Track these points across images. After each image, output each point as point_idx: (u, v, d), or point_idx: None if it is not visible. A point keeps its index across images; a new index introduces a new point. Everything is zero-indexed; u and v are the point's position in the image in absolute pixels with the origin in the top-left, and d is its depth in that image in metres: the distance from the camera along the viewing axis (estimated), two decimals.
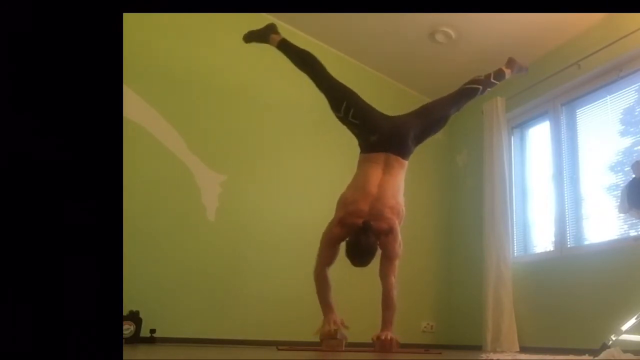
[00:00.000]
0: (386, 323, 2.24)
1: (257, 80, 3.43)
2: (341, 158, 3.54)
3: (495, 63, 3.87)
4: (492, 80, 2.72)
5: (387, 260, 2.31)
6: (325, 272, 2.31)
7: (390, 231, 2.28)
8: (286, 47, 2.69)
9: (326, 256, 2.32)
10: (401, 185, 2.40)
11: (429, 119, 2.52)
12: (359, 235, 2.22)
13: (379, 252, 2.32)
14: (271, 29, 2.77)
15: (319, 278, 2.31)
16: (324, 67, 2.57)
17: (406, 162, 2.44)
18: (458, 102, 2.62)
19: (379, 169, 2.35)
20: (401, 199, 2.38)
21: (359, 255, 2.27)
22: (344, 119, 2.50)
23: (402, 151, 2.41)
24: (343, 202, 2.35)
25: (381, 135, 2.39)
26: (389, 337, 2.15)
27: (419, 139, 2.50)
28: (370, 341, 2.23)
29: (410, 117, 2.51)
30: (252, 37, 2.83)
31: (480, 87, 2.65)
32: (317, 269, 2.32)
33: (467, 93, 2.64)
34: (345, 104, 2.46)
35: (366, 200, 2.29)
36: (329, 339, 2.14)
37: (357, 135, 2.51)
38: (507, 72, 2.83)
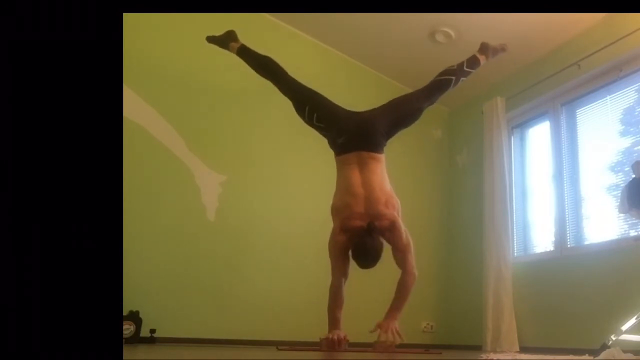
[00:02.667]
0: (392, 310, 2.23)
1: (258, 80, 3.42)
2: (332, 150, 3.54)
3: (495, 63, 3.88)
4: (466, 69, 2.61)
5: (399, 252, 2.29)
6: (341, 286, 2.27)
7: (392, 226, 2.27)
8: (245, 54, 2.69)
9: (339, 268, 2.28)
10: (385, 177, 2.36)
11: (400, 113, 2.47)
12: (364, 237, 2.20)
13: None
14: (230, 36, 2.77)
15: (334, 292, 2.26)
16: (285, 72, 2.56)
17: (382, 155, 2.38)
18: (431, 96, 2.56)
19: (355, 169, 2.31)
20: (390, 189, 2.34)
21: (366, 257, 2.24)
22: (309, 123, 2.49)
23: (372, 147, 2.35)
24: (336, 210, 2.33)
25: (348, 136, 2.35)
26: (392, 328, 2.14)
27: (390, 133, 2.44)
28: (370, 341, 2.23)
29: (379, 112, 2.46)
30: (213, 41, 2.84)
31: (453, 77, 2.57)
32: (333, 282, 2.28)
33: (439, 85, 2.58)
34: (307, 109, 2.45)
35: (358, 202, 2.26)
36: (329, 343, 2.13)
37: (326, 137, 2.48)
38: (482, 58, 2.71)
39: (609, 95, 3.34)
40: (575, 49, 3.45)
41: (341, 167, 2.38)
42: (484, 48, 2.76)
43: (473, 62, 2.67)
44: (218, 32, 3.29)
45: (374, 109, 2.48)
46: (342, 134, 2.37)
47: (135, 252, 2.63)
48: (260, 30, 3.48)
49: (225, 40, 2.77)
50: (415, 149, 4.25)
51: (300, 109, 2.50)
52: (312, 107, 2.45)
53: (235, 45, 2.73)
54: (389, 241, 2.29)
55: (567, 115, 3.66)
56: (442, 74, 2.60)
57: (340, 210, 2.31)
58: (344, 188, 2.34)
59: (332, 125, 2.42)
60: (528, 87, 3.76)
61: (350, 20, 3.56)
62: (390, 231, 2.27)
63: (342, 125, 2.39)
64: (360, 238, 2.21)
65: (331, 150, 2.45)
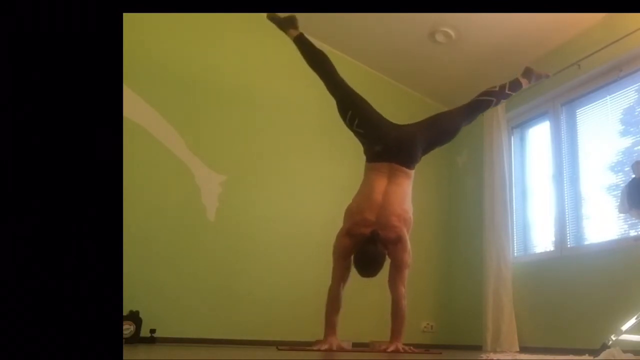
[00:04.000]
0: (395, 333, 2.21)
1: (258, 80, 3.43)
2: (341, 159, 3.54)
3: (495, 63, 3.89)
4: (507, 91, 2.65)
5: (396, 269, 2.28)
6: (339, 290, 2.27)
7: (398, 240, 2.26)
8: (301, 44, 2.66)
9: (340, 270, 2.28)
10: (408, 194, 2.37)
11: (438, 131, 2.50)
12: (366, 244, 2.20)
13: (387, 261, 2.30)
14: (291, 22, 2.72)
15: (332, 296, 2.26)
16: (334, 71, 2.55)
17: (412, 172, 2.40)
18: (470, 115, 2.58)
19: (383, 178, 2.33)
20: (408, 206, 2.35)
21: (367, 266, 2.24)
22: (349, 127, 2.49)
23: (407, 161, 2.37)
24: (350, 213, 2.33)
25: (385, 146, 2.36)
26: (399, 349, 2.14)
27: (427, 149, 2.47)
28: (369, 341, 2.23)
29: (418, 128, 2.47)
30: (273, 20, 2.78)
31: (494, 99, 2.60)
32: (332, 285, 2.28)
33: (479, 105, 2.60)
34: (350, 113, 2.44)
35: (372, 210, 2.26)
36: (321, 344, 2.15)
37: (363, 143, 2.49)
38: (524, 82, 2.75)
39: (609, 95, 3.34)
40: (575, 49, 3.45)
41: (369, 174, 2.39)
42: (528, 73, 2.80)
43: (515, 85, 2.70)
44: (218, 32, 3.30)
45: (416, 125, 2.50)
46: (380, 142, 2.37)
47: (135, 252, 2.62)
48: (260, 30, 3.47)
49: (286, 24, 2.72)
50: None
51: (343, 111, 2.49)
52: (355, 112, 2.44)
53: (294, 32, 2.69)
54: (390, 255, 2.29)
55: (567, 115, 3.66)
56: (483, 94, 2.61)
57: (353, 214, 2.31)
58: (364, 193, 2.34)
59: (371, 132, 2.42)
60: (528, 87, 3.75)
61: (350, 20, 3.56)
62: (395, 244, 2.26)
63: (382, 134, 2.39)
64: (363, 246, 2.21)
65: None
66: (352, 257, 2.26)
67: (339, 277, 2.27)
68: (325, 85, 2.57)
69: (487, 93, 2.61)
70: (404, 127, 2.46)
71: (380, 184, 2.31)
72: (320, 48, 3.87)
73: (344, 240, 2.27)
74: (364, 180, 2.40)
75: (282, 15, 2.74)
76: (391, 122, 2.47)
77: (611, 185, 3.23)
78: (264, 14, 3.52)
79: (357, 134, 2.48)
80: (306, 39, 2.66)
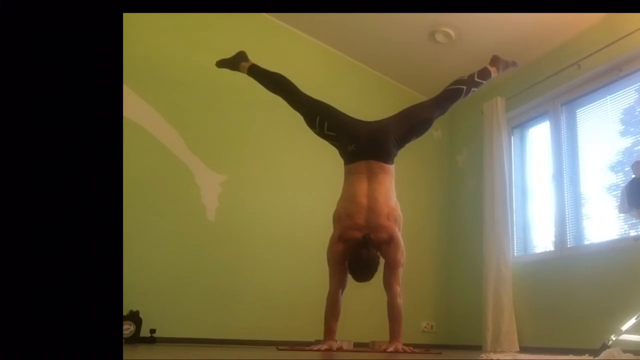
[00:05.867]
0: (394, 334, 2.20)
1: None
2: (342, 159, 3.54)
3: None
4: (477, 79, 2.62)
5: (390, 269, 2.26)
6: (337, 296, 2.26)
7: (391, 240, 2.25)
8: (256, 73, 2.70)
9: (336, 277, 2.27)
10: (392, 190, 2.35)
11: (411, 122, 2.46)
12: (359, 249, 2.19)
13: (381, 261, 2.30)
14: (241, 57, 2.78)
15: (331, 302, 2.25)
16: (295, 87, 2.56)
17: (391, 167, 2.38)
18: (442, 105, 2.55)
19: (363, 179, 2.31)
20: (395, 203, 2.33)
21: (361, 270, 2.24)
22: (320, 134, 2.49)
23: (383, 156, 2.35)
24: (337, 218, 2.32)
25: (359, 144, 2.34)
26: (399, 349, 2.13)
27: (401, 143, 2.44)
28: (369, 341, 2.23)
29: (390, 121, 2.46)
30: (223, 64, 2.85)
31: (464, 87, 2.56)
32: (330, 291, 2.27)
33: (450, 95, 2.57)
34: (318, 119, 2.45)
35: (360, 213, 2.24)
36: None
37: (337, 147, 2.48)
38: (492, 70, 2.71)
39: (609, 95, 3.34)
40: (575, 49, 3.45)
41: (349, 176, 2.38)
42: (495, 60, 2.76)
43: (484, 73, 2.67)
44: (218, 32, 3.30)
45: (386, 119, 2.48)
46: (353, 141, 2.36)
47: (135, 252, 2.63)
48: (260, 30, 3.48)
49: (236, 61, 2.78)
50: (415, 149, 4.24)
51: (311, 120, 2.50)
52: (322, 117, 2.45)
53: (246, 65, 2.73)
54: (383, 255, 2.27)
55: (567, 115, 3.66)
56: (453, 83, 2.60)
57: (341, 219, 2.29)
58: (348, 196, 2.33)
59: (343, 133, 2.41)
60: (528, 87, 3.75)
61: (350, 20, 3.56)
62: (387, 244, 2.25)
63: (354, 133, 2.38)
64: (356, 251, 2.20)
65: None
66: (347, 263, 2.25)
67: (337, 283, 2.27)
68: (290, 105, 2.58)
69: (457, 82, 2.59)
70: (375, 123, 2.45)
71: (362, 186, 2.29)
72: (323, 48, 3.89)
73: (337, 246, 2.26)
74: (345, 184, 2.39)
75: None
76: (361, 120, 2.46)
77: (611, 185, 3.23)
78: (265, 14, 3.54)
79: (329, 138, 2.48)
80: (259, 68, 2.69)
